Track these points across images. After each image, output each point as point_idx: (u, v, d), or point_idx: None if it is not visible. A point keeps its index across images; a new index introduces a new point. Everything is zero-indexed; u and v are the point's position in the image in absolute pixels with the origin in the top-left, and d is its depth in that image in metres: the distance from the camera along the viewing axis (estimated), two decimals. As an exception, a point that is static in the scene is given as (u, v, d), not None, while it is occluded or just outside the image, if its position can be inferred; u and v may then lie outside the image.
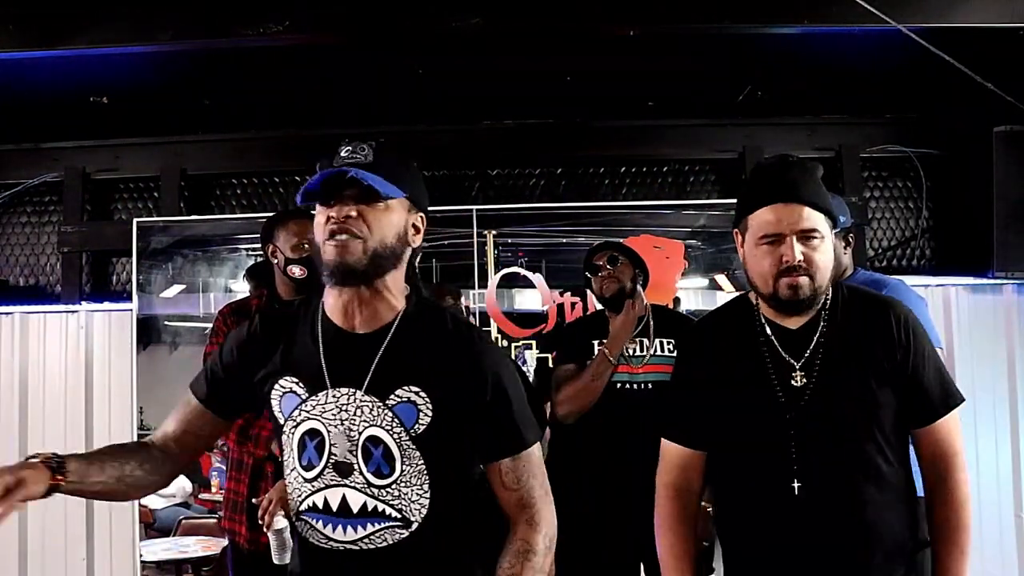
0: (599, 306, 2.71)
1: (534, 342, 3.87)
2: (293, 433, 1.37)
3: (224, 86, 3.80)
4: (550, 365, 2.83)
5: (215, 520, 3.79)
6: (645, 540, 2.47)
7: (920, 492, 2.31)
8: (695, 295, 3.92)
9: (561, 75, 3.74)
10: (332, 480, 1.35)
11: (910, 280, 2.58)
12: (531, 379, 3.33)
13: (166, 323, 3.95)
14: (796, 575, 1.55)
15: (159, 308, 3.92)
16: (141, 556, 3.69)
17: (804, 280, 1.54)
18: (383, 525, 1.34)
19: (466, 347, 1.41)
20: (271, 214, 2.82)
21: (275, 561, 2.27)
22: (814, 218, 1.54)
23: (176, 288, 3.96)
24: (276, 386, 1.39)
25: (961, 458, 1.57)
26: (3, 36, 3.13)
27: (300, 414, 1.37)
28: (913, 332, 1.57)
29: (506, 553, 1.43)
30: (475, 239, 3.79)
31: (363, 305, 1.38)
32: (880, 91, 3.92)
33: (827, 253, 1.56)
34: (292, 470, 1.39)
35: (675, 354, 2.52)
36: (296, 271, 2.44)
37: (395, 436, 1.34)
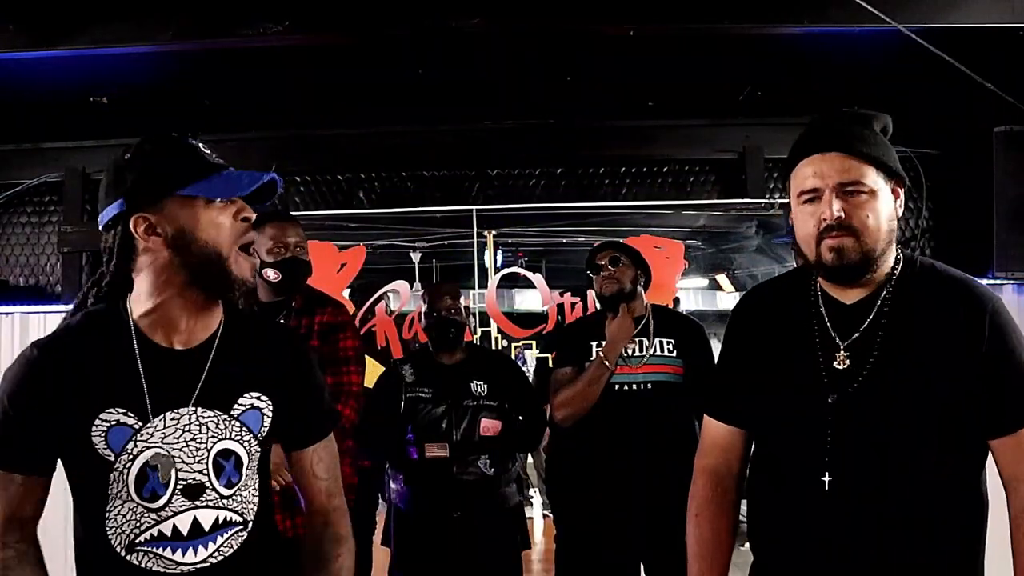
0: (599, 306, 2.71)
1: (534, 342, 3.88)
2: (126, 467, 1.25)
3: (224, 86, 3.81)
4: (550, 365, 2.83)
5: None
6: (645, 540, 2.50)
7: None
8: (695, 295, 3.93)
9: (561, 75, 3.75)
10: (182, 506, 1.28)
11: (910, 280, 2.57)
12: (531, 379, 3.33)
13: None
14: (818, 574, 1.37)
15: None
16: (141, 556, 3.68)
17: (848, 241, 1.34)
18: (230, 533, 1.32)
19: (281, 340, 1.42)
20: None
21: None
22: (858, 169, 1.36)
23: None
24: (97, 421, 1.24)
25: None
26: (3, 36, 3.14)
27: (135, 446, 1.25)
28: (1001, 322, 1.34)
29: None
30: (475, 239, 3.79)
31: (192, 318, 1.30)
32: (880, 91, 3.92)
33: (878, 210, 1.37)
34: (124, 503, 1.26)
35: (675, 354, 2.54)
36: (270, 274, 2.45)
37: (245, 444, 1.32)
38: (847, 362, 1.35)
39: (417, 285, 3.98)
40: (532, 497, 5.30)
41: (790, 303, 1.47)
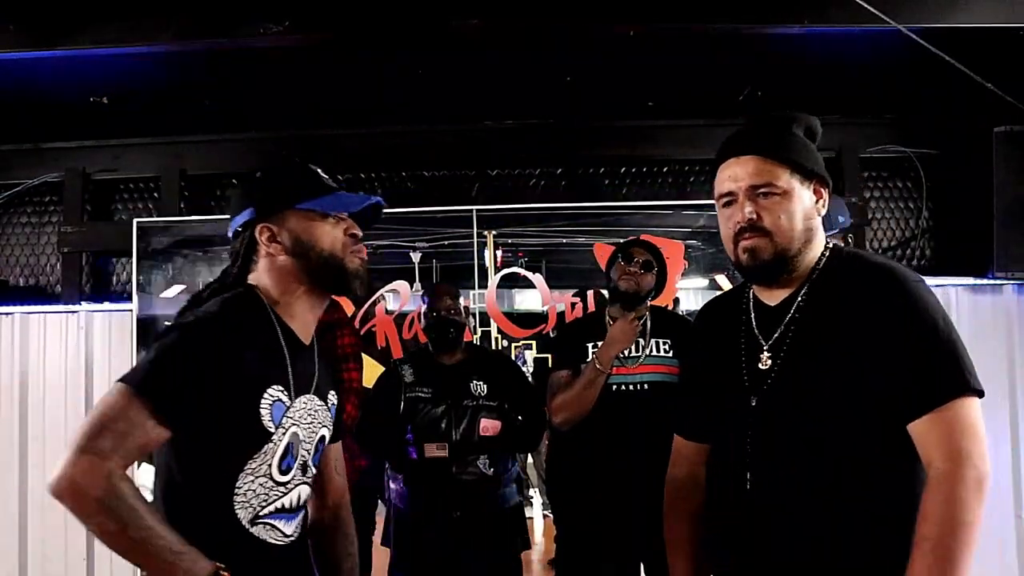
0: (602, 298, 2.70)
1: (534, 342, 3.88)
2: (279, 440, 1.38)
3: (224, 86, 3.81)
4: (549, 366, 2.83)
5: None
6: (645, 540, 2.50)
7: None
8: (695, 295, 3.92)
9: (561, 75, 3.74)
10: (298, 481, 1.44)
11: (910, 280, 2.57)
12: (530, 379, 3.33)
13: (166, 323, 3.94)
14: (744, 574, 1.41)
15: (159, 308, 3.92)
16: (141, 556, 3.68)
17: (760, 242, 1.37)
18: (304, 509, 1.50)
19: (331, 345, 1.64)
20: None
21: None
22: (770, 171, 1.37)
23: (176, 288, 3.96)
24: (265, 395, 1.36)
25: (968, 466, 1.22)
26: (3, 36, 3.14)
27: (286, 421, 1.39)
28: (918, 304, 1.31)
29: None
30: (475, 239, 3.79)
31: (316, 318, 1.51)
32: (880, 91, 3.92)
33: (791, 211, 1.38)
34: (256, 478, 1.37)
35: (671, 354, 2.54)
36: None
37: (329, 434, 1.55)
38: (769, 362, 1.39)
39: (417, 285, 3.98)
40: (532, 497, 5.29)
41: (728, 312, 1.51)
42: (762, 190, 1.38)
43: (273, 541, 1.40)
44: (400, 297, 3.84)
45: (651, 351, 2.54)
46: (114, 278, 4.23)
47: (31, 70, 3.43)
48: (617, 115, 4.05)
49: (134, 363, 3.68)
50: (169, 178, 4.08)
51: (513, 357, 4.93)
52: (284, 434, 1.38)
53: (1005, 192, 3.40)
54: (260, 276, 1.45)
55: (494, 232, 3.89)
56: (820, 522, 1.30)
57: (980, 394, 1.27)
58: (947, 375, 1.26)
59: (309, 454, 1.46)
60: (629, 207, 3.95)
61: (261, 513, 1.38)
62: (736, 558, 1.41)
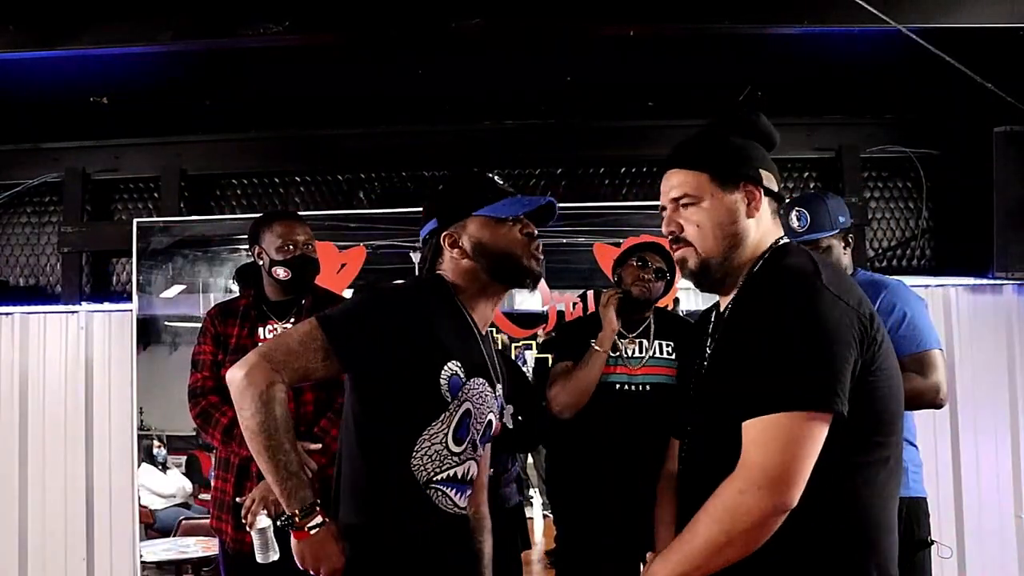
0: (597, 307, 2.71)
1: (534, 342, 3.87)
2: (455, 412, 1.51)
3: (224, 86, 3.80)
4: (549, 366, 2.83)
5: (215, 520, 3.80)
6: (645, 541, 2.49)
7: (920, 492, 2.33)
8: (695, 295, 3.92)
9: (561, 75, 3.74)
10: (469, 456, 1.57)
11: (910, 280, 2.58)
12: (530, 379, 3.33)
13: (166, 323, 3.95)
14: None
15: (159, 308, 3.92)
16: (141, 556, 3.69)
17: (685, 252, 1.42)
18: (470, 490, 1.63)
19: None
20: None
21: (258, 560, 2.27)
22: (686, 181, 1.40)
23: (176, 288, 3.96)
24: (445, 367, 1.49)
25: (747, 476, 1.21)
26: (3, 36, 3.14)
27: (462, 396, 1.52)
28: (757, 310, 1.28)
29: None
30: (475, 239, 3.78)
31: (494, 311, 1.68)
32: (880, 91, 3.92)
33: (703, 217, 1.38)
34: (432, 445, 1.50)
35: (674, 356, 2.55)
36: (280, 272, 2.44)
37: (496, 421, 1.66)
38: (705, 368, 1.44)
39: (417, 285, 3.98)
40: (532, 497, 5.29)
41: (708, 318, 1.54)
42: (682, 201, 1.42)
43: (444, 508, 1.53)
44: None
45: (654, 353, 2.55)
46: (114, 278, 4.22)
47: (31, 70, 3.43)
48: (617, 115, 4.04)
49: (134, 363, 3.71)
50: (169, 178, 4.07)
51: (513, 357, 4.92)
52: (459, 407, 1.51)
53: (1005, 192, 3.40)
54: (446, 274, 1.62)
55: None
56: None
57: (808, 407, 1.20)
58: (756, 395, 1.23)
59: (478, 433, 1.58)
60: (629, 207, 3.95)
61: (435, 478, 1.51)
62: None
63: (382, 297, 1.53)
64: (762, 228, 1.41)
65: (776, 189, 1.44)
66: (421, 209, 1.70)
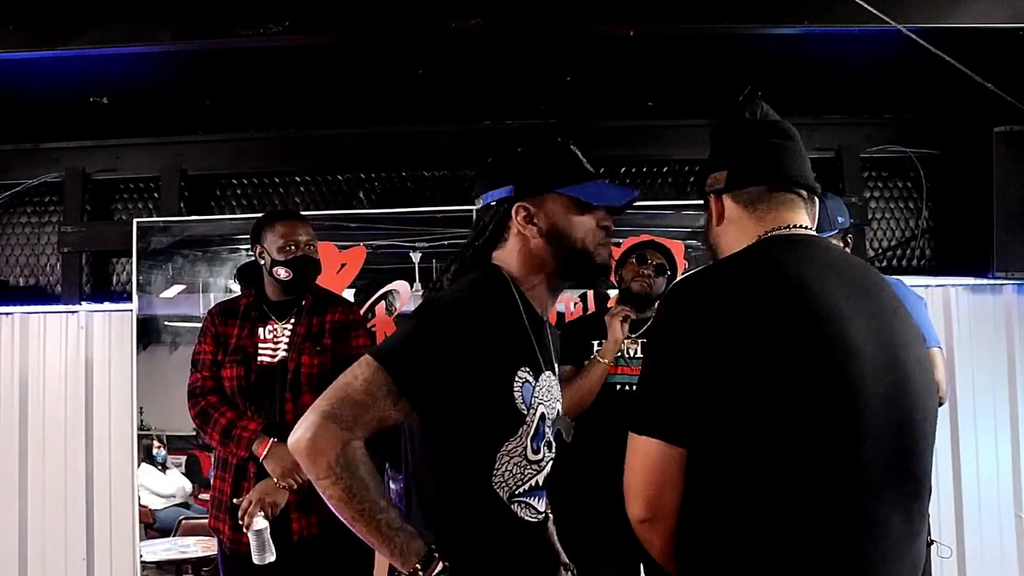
0: (597, 306, 2.71)
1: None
2: (532, 421, 1.39)
3: (224, 86, 3.80)
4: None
5: (215, 520, 3.80)
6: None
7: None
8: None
9: (561, 75, 3.74)
10: (548, 457, 1.48)
11: (910, 280, 2.59)
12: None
13: (166, 323, 3.95)
14: None
15: (159, 308, 3.92)
16: (141, 556, 3.69)
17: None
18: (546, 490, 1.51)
19: None
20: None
21: (255, 561, 2.27)
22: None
23: (176, 288, 3.96)
24: (516, 377, 1.37)
25: (628, 490, 1.28)
26: (3, 36, 3.14)
27: (535, 401, 1.40)
28: (651, 332, 1.33)
29: None
30: (475, 239, 3.78)
31: (554, 301, 1.53)
32: (880, 91, 3.92)
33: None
34: (512, 458, 1.39)
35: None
36: (281, 273, 2.44)
37: (560, 407, 1.54)
38: None
39: (417, 285, 3.98)
40: (532, 497, 5.29)
41: None
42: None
43: (529, 519, 1.43)
44: (400, 297, 3.84)
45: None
46: (114, 278, 4.22)
47: (31, 70, 3.43)
48: (617, 115, 4.04)
49: (134, 363, 3.71)
50: (169, 178, 4.07)
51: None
52: (535, 415, 1.39)
53: (1005, 192, 3.40)
54: (506, 255, 1.44)
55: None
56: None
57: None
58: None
59: (552, 430, 1.48)
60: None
61: (517, 492, 1.41)
62: None
63: (440, 319, 1.33)
64: (740, 227, 1.35)
65: (738, 179, 1.35)
66: (477, 172, 1.50)
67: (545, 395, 1.44)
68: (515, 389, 1.36)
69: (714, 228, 1.39)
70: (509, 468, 1.39)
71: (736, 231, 1.35)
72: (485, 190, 1.44)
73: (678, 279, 1.36)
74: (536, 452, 1.42)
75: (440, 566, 1.28)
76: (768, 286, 1.19)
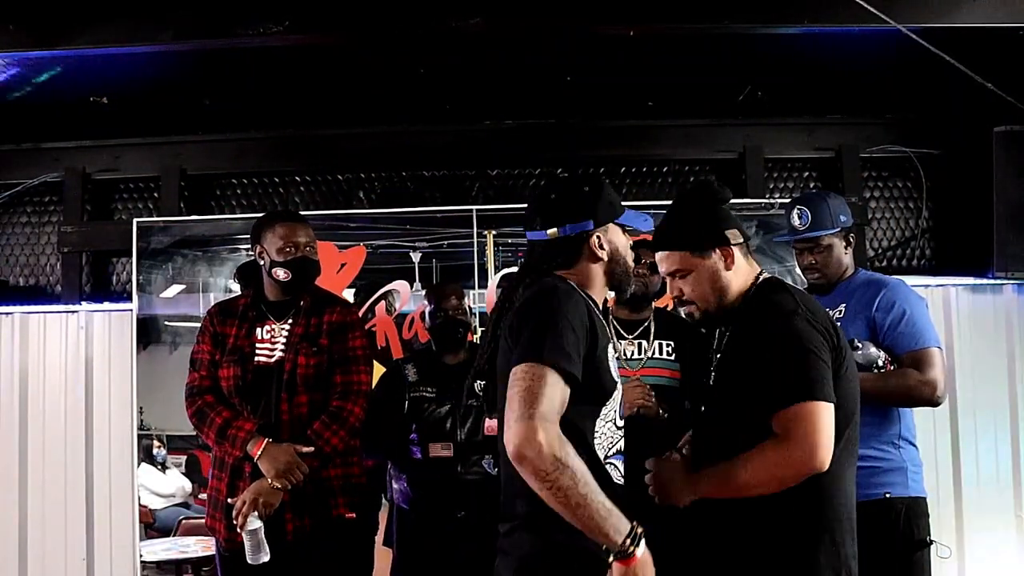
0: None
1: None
2: (618, 391, 1.66)
3: (224, 86, 3.81)
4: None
5: (215, 520, 3.79)
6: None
7: (920, 492, 2.33)
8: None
9: (561, 75, 3.74)
10: (623, 427, 1.70)
11: (910, 280, 2.58)
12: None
13: (166, 323, 3.95)
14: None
15: (159, 308, 3.92)
16: (141, 556, 3.68)
17: (691, 308, 1.82)
18: None
19: None
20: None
21: (249, 561, 2.26)
22: (672, 260, 1.80)
23: (176, 288, 3.96)
24: (608, 355, 1.63)
25: (792, 447, 1.59)
26: (3, 36, 3.14)
27: (619, 375, 1.67)
28: (768, 331, 1.68)
29: None
30: (475, 239, 3.79)
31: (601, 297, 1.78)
32: (880, 91, 3.93)
33: (697, 281, 1.78)
34: (606, 423, 1.62)
35: (674, 357, 2.54)
36: (280, 274, 2.44)
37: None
38: (712, 379, 1.80)
39: (417, 285, 3.98)
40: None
41: (711, 333, 1.90)
42: (677, 274, 1.81)
43: (616, 481, 1.63)
44: (400, 297, 3.84)
45: (654, 353, 2.54)
46: (114, 278, 4.22)
47: (31, 70, 3.43)
48: (617, 115, 4.05)
49: (134, 363, 3.70)
50: (169, 178, 4.07)
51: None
52: (619, 386, 1.66)
53: (1005, 192, 3.40)
54: (573, 271, 1.70)
55: (494, 232, 3.88)
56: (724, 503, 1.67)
57: (820, 398, 1.60)
58: (790, 388, 1.62)
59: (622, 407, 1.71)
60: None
61: (609, 454, 1.63)
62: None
63: (563, 305, 1.56)
64: (741, 273, 1.80)
65: (741, 239, 1.80)
66: (538, 204, 1.75)
67: (620, 376, 1.69)
68: (610, 362, 1.62)
69: (724, 272, 1.78)
70: (604, 431, 1.62)
71: (741, 273, 1.80)
72: (563, 223, 1.70)
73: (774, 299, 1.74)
74: (621, 418, 1.68)
75: (639, 532, 1.46)
76: (819, 306, 1.77)
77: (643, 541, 1.46)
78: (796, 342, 1.64)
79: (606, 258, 1.72)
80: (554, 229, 1.71)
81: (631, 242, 1.79)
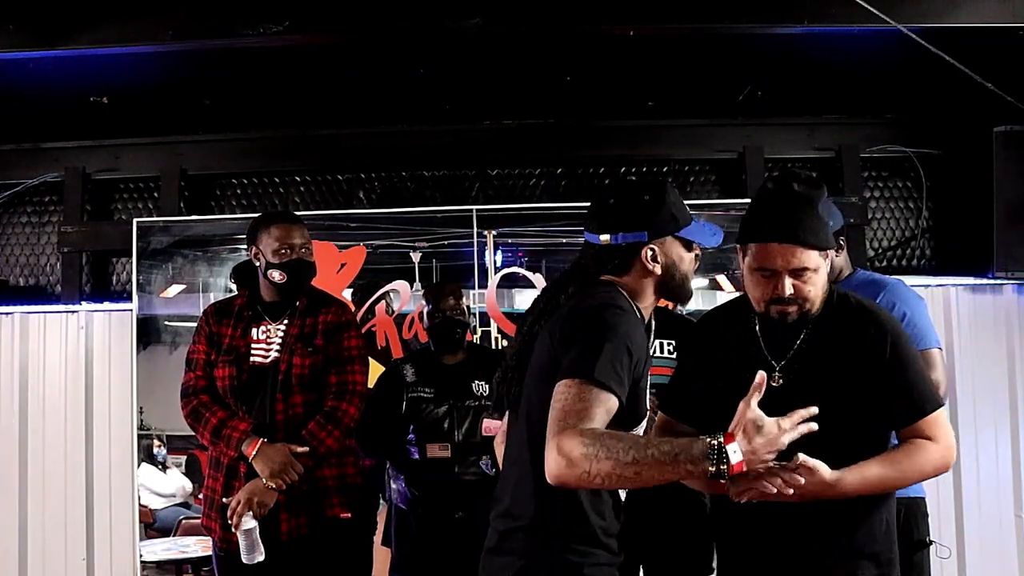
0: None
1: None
2: (646, 419, 1.62)
3: (224, 86, 3.81)
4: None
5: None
6: (643, 543, 2.49)
7: (919, 492, 2.33)
8: (695, 295, 3.92)
9: (561, 75, 3.75)
10: None
11: (910, 280, 2.58)
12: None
13: (166, 323, 3.95)
14: (753, 567, 1.70)
15: (159, 308, 3.92)
16: (141, 556, 3.69)
17: (793, 309, 1.65)
18: None
19: None
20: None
21: (244, 560, 2.27)
22: (808, 257, 1.63)
23: (176, 288, 3.96)
24: (642, 382, 1.57)
25: (948, 449, 1.65)
26: (3, 36, 3.14)
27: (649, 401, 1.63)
28: (900, 342, 1.66)
29: None
30: (475, 239, 3.79)
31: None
32: (880, 91, 3.92)
33: (819, 284, 1.66)
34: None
35: (675, 355, 2.54)
36: (276, 275, 2.44)
37: None
38: (780, 381, 1.67)
39: (417, 285, 3.98)
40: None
41: (736, 326, 1.77)
42: (799, 271, 1.64)
43: (622, 497, 1.63)
44: (400, 297, 3.84)
45: (654, 352, 2.54)
46: (114, 278, 4.22)
47: (31, 70, 3.43)
48: (617, 115, 4.05)
49: (134, 363, 3.70)
50: (169, 178, 4.07)
51: (513, 357, 4.91)
52: (648, 414, 1.62)
53: (1005, 192, 3.40)
54: (624, 279, 1.64)
55: (494, 232, 3.88)
56: (811, 515, 1.58)
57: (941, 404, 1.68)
58: (924, 398, 1.65)
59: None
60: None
61: None
62: (750, 555, 1.70)
63: (623, 326, 1.51)
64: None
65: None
66: (596, 209, 1.68)
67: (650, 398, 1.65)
68: (640, 390, 1.55)
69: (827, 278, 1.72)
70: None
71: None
72: (616, 231, 1.63)
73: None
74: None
75: (716, 443, 1.35)
76: None
77: (734, 444, 1.36)
78: (916, 352, 1.71)
79: (658, 272, 1.64)
80: (607, 236, 1.64)
81: (697, 252, 1.71)
